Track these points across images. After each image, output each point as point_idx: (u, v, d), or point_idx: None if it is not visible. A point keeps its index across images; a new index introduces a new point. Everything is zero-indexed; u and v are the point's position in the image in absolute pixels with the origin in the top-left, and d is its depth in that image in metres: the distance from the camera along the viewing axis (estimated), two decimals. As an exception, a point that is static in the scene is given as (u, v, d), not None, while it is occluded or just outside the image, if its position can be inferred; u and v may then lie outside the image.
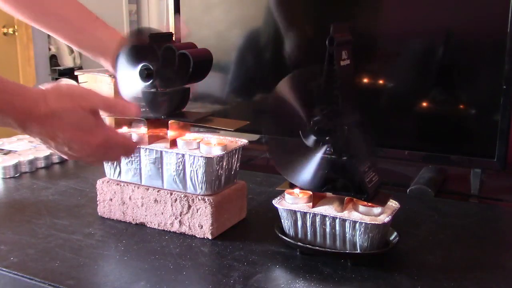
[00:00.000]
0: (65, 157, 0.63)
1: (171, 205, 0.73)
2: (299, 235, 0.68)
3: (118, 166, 0.77)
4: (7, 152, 1.09)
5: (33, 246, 0.70)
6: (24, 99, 0.57)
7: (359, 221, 0.63)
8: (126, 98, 0.75)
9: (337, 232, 0.65)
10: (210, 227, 0.71)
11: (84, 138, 0.60)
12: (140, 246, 0.70)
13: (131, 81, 0.72)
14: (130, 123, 0.83)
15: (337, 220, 0.64)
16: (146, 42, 0.71)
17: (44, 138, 0.60)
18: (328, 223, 0.65)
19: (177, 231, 0.74)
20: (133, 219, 0.77)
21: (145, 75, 0.71)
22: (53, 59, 3.13)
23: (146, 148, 0.74)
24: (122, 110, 0.65)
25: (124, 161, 0.76)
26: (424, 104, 0.97)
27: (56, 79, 2.06)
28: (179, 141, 0.73)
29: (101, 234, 0.74)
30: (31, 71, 2.93)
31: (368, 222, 0.63)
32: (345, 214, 0.65)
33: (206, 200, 0.71)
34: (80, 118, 0.60)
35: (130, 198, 0.77)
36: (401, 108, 0.99)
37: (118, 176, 0.78)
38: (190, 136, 0.76)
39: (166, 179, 0.74)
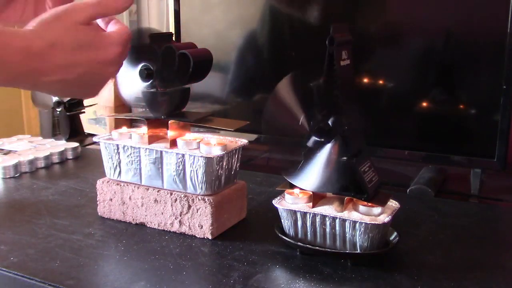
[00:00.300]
0: (96, 93, 0.58)
1: (171, 205, 0.73)
2: (299, 235, 0.68)
3: (118, 166, 0.77)
4: (7, 152, 1.09)
5: (33, 246, 0.70)
6: (16, 37, 0.51)
7: (359, 221, 0.63)
8: (126, 98, 0.75)
9: (337, 232, 0.65)
10: (210, 227, 0.71)
11: (99, 57, 0.56)
12: (140, 246, 0.70)
13: (131, 81, 0.72)
14: (130, 123, 0.83)
15: (337, 220, 0.64)
16: (146, 42, 0.71)
17: (62, 79, 0.54)
18: (328, 223, 0.65)
19: (177, 231, 0.74)
20: (133, 219, 0.77)
21: (145, 75, 0.71)
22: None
23: (146, 148, 0.74)
24: (114, 6, 0.58)
25: (124, 161, 0.76)
26: (424, 104, 0.97)
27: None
28: (179, 141, 0.73)
29: (101, 234, 0.74)
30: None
31: (368, 222, 0.63)
32: (345, 214, 0.65)
33: (206, 200, 0.71)
34: (81, 35, 0.55)
35: (130, 198, 0.77)
36: (401, 108, 0.99)
37: (118, 176, 0.78)
38: (190, 136, 0.76)
39: (166, 179, 0.74)
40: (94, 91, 0.59)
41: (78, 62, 0.54)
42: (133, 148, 0.75)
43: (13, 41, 0.51)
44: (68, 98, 1.26)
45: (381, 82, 0.99)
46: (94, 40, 0.56)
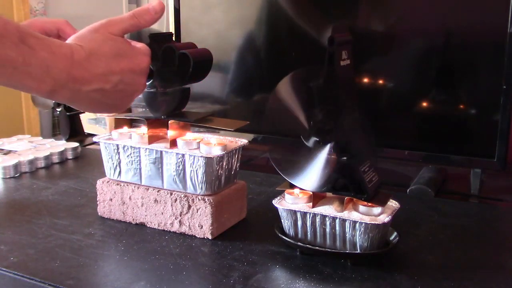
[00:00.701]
0: (126, 106, 0.62)
1: (171, 205, 0.73)
2: (299, 235, 0.68)
3: (118, 166, 0.77)
4: (7, 152, 1.09)
5: (33, 246, 0.70)
6: (60, 46, 0.54)
7: (359, 221, 0.63)
8: None
9: (337, 232, 0.65)
10: (210, 227, 0.71)
11: (133, 65, 0.60)
12: (140, 246, 0.70)
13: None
14: (130, 123, 0.83)
15: (337, 220, 0.64)
16: (146, 42, 0.71)
17: (100, 88, 0.57)
18: (328, 223, 0.65)
19: (177, 231, 0.74)
20: (133, 219, 0.77)
21: (145, 75, 0.71)
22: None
23: (146, 148, 0.74)
24: (146, 18, 0.63)
25: (124, 161, 0.76)
26: (424, 104, 0.97)
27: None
28: (179, 141, 0.73)
29: (101, 234, 0.74)
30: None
31: (368, 222, 0.63)
32: (345, 214, 0.65)
33: (206, 200, 0.71)
34: (117, 45, 0.59)
35: (130, 198, 0.77)
36: (401, 108, 0.99)
37: (118, 176, 0.78)
38: (190, 136, 0.76)
39: (166, 179, 0.74)
40: (124, 103, 0.62)
41: (114, 71, 0.58)
42: (133, 148, 0.75)
43: (57, 49, 0.54)
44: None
45: (381, 82, 0.99)
46: (128, 50, 0.60)
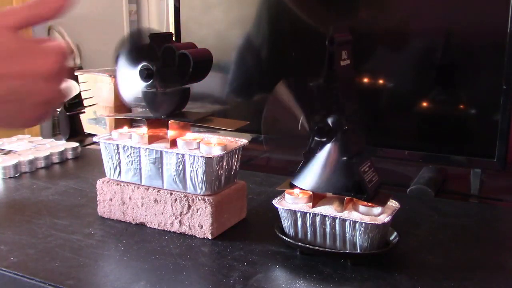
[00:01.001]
0: (30, 118, 0.48)
1: (171, 205, 0.73)
2: (299, 235, 0.68)
3: (118, 166, 0.77)
4: (7, 152, 1.09)
5: (33, 246, 0.70)
6: None
7: (359, 221, 0.63)
8: (126, 98, 0.75)
9: (337, 232, 0.65)
10: (210, 227, 0.71)
11: (34, 67, 0.46)
12: (140, 246, 0.70)
13: (131, 81, 0.72)
14: (130, 123, 0.83)
15: (337, 220, 0.64)
16: (146, 42, 0.71)
17: None
18: (328, 223, 0.65)
19: (177, 231, 0.74)
20: (133, 219, 0.77)
21: (145, 75, 0.71)
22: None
23: (146, 148, 0.74)
24: (50, 6, 0.48)
25: (124, 161, 0.76)
26: (424, 104, 0.97)
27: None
28: (179, 141, 0.73)
29: (101, 234, 0.74)
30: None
31: (368, 222, 0.63)
32: (345, 214, 0.65)
33: (206, 200, 0.71)
34: (11, 42, 0.45)
35: (130, 198, 0.77)
36: (401, 108, 0.99)
37: (118, 176, 0.78)
38: (190, 136, 0.76)
39: (166, 179, 0.74)
40: (32, 116, 0.48)
41: (8, 73, 0.45)
42: (133, 148, 0.75)
43: None
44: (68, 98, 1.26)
45: (381, 82, 0.99)
46: (29, 48, 0.47)
